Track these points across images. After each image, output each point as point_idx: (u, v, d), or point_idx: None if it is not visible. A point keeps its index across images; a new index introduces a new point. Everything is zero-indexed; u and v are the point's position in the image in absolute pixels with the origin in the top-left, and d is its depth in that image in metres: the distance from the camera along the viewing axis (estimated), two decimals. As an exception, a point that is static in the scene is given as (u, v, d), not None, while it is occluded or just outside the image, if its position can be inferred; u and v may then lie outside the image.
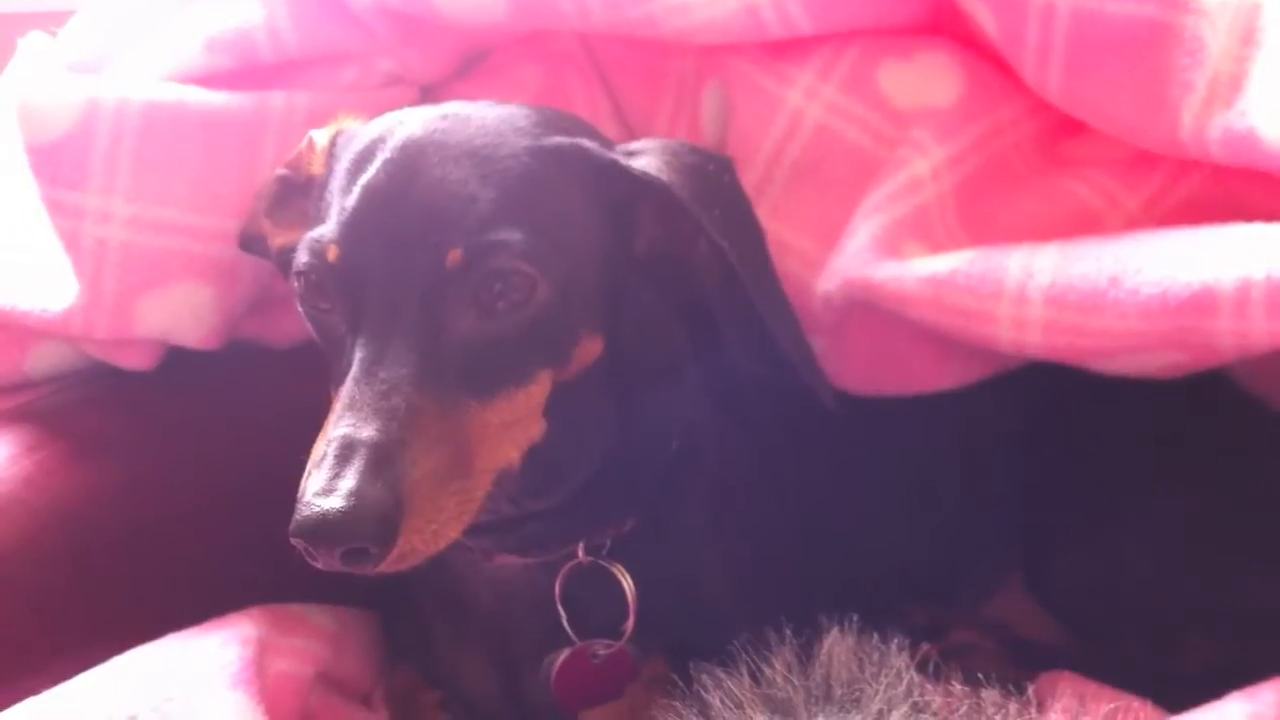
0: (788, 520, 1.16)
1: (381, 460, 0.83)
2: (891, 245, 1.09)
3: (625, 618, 1.08)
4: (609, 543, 1.08)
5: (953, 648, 1.08)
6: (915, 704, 0.82)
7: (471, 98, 1.20)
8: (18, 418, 1.17)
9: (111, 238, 1.12)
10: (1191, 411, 1.18)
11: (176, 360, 1.21)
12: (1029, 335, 1.03)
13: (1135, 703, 0.97)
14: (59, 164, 1.12)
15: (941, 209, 1.13)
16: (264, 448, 1.19)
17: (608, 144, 1.00)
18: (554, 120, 1.00)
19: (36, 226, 1.17)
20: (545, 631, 1.09)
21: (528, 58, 1.27)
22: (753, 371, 1.11)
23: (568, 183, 0.95)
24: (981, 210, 1.15)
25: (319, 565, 0.85)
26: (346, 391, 0.87)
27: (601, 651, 1.09)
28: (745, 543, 1.13)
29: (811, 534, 1.17)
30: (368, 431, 0.84)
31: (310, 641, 1.10)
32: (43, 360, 1.22)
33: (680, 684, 1.04)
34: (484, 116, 0.96)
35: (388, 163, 0.92)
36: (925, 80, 1.17)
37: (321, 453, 0.85)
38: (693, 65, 1.24)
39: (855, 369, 1.17)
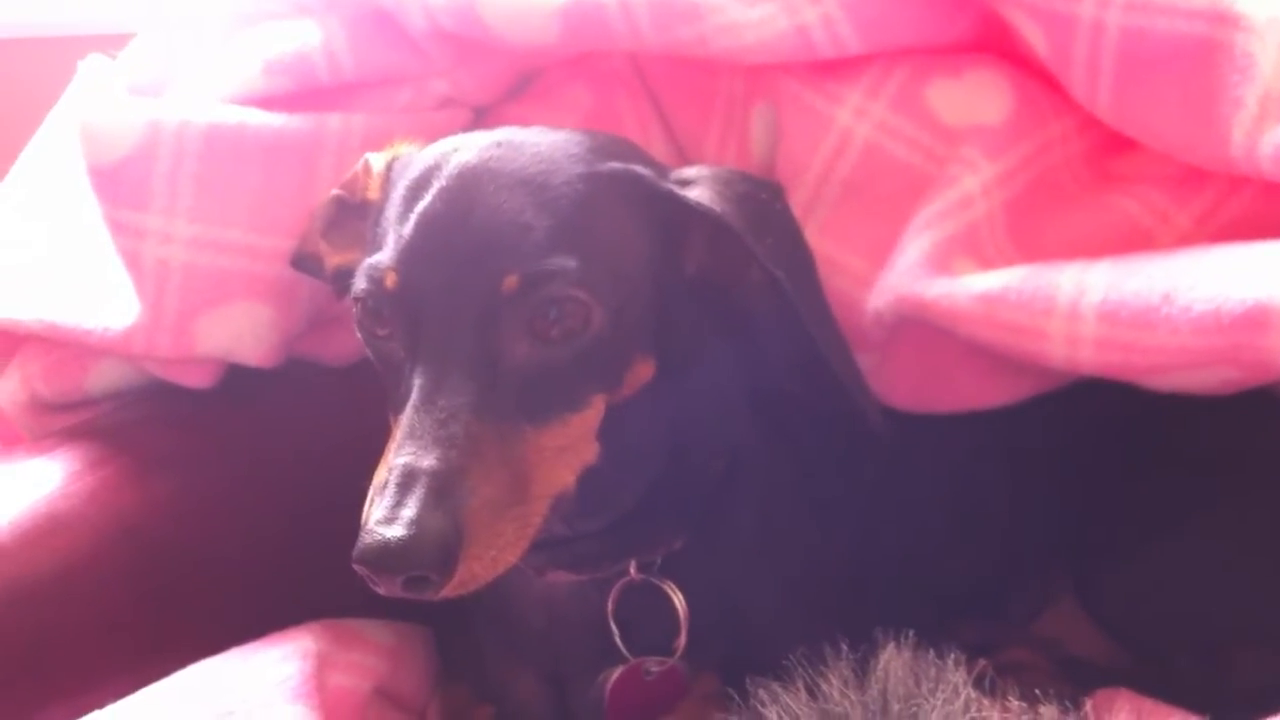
0: (836, 538, 1.16)
1: (442, 489, 0.85)
2: (943, 262, 1.10)
3: (675, 635, 1.08)
4: (659, 560, 1.08)
5: (1006, 665, 1.08)
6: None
7: (523, 119, 1.22)
8: (80, 435, 1.19)
9: (173, 258, 1.14)
10: (1242, 426, 1.17)
11: (233, 378, 1.23)
12: (1081, 352, 1.04)
13: (1193, 720, 0.97)
14: (121, 185, 1.14)
15: (992, 226, 1.14)
16: (320, 464, 1.23)
17: (660, 169, 1.01)
18: (606, 146, 1.01)
19: (97, 246, 1.20)
20: (595, 648, 1.10)
21: (578, 79, 1.29)
22: (799, 392, 1.11)
23: (621, 209, 0.96)
24: (1031, 227, 1.15)
25: (381, 591, 0.86)
26: (407, 420, 0.88)
27: (654, 668, 1.10)
28: (794, 560, 1.13)
29: (860, 551, 1.17)
30: (428, 460, 0.85)
31: (368, 657, 1.11)
32: (103, 378, 1.24)
33: (734, 700, 1.05)
34: (537, 143, 0.97)
35: (444, 190, 0.93)
36: (975, 98, 1.18)
37: (383, 480, 0.86)
38: (741, 85, 1.25)
39: (903, 386, 1.18)
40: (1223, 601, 1.15)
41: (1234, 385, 1.04)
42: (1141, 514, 1.19)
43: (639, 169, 0.98)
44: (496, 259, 0.90)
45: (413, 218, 0.93)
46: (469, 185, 0.93)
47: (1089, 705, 0.95)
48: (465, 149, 0.97)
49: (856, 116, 1.18)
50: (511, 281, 0.89)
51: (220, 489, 1.18)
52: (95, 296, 1.19)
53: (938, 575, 1.22)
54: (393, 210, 0.97)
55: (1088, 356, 1.04)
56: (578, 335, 0.92)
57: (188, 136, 1.14)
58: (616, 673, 1.10)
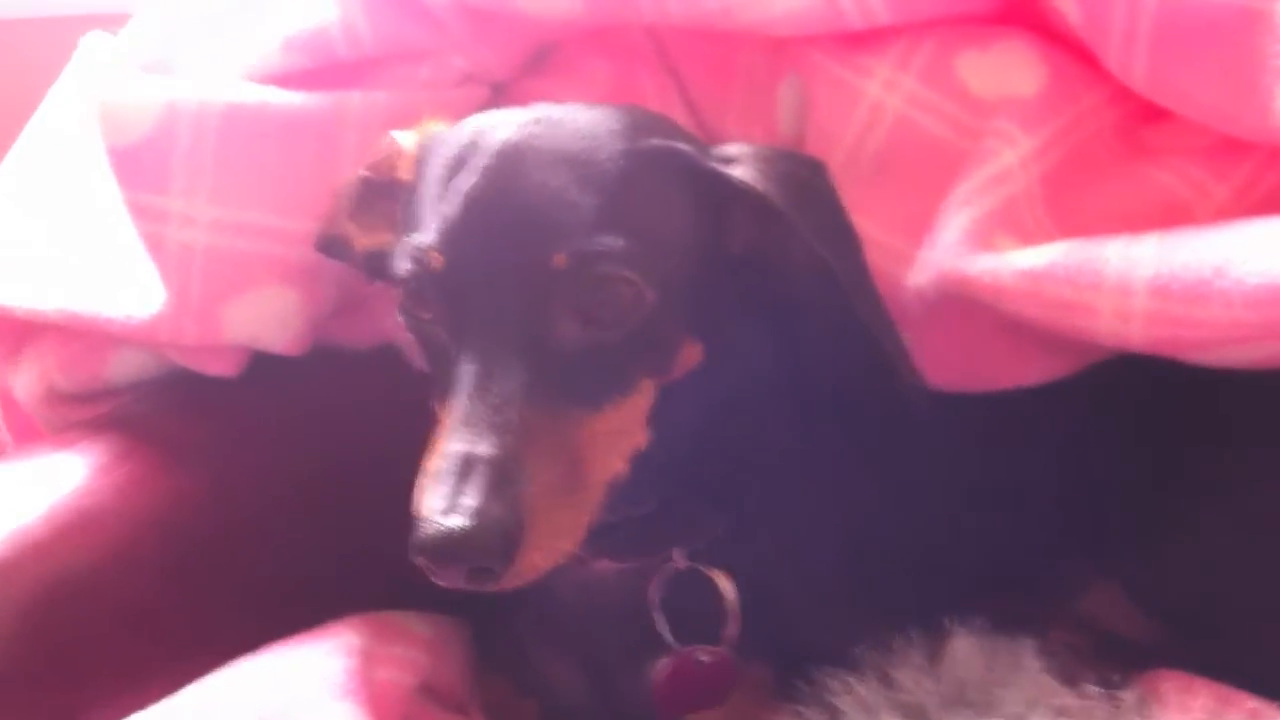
0: (881, 521, 1.15)
1: (501, 476, 0.83)
2: (983, 238, 1.08)
3: (722, 623, 1.07)
4: (706, 547, 1.07)
5: (1053, 647, 1.07)
6: (1054, 707, 0.81)
7: (542, 94, 1.20)
8: (104, 427, 1.16)
9: (196, 242, 1.11)
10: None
11: (255, 362, 1.20)
12: (1131, 327, 1.02)
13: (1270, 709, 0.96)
14: (140, 166, 1.11)
15: (1030, 200, 1.12)
16: (349, 450, 1.21)
17: (701, 146, 0.99)
18: (646, 122, 0.99)
19: (113, 231, 1.16)
20: (639, 638, 1.08)
21: (596, 53, 1.26)
22: (843, 373, 1.10)
23: (666, 186, 0.94)
24: (1068, 201, 1.14)
25: (441, 583, 0.84)
26: (460, 405, 0.87)
27: (704, 658, 1.08)
28: (842, 545, 1.12)
29: (904, 533, 1.16)
30: (484, 447, 0.84)
31: (411, 650, 1.09)
32: (123, 367, 1.21)
33: (789, 688, 1.04)
34: (576, 120, 0.95)
35: (486, 169, 0.91)
36: (1005, 70, 1.16)
37: (439, 468, 0.84)
38: (764, 59, 1.22)
39: (941, 364, 1.16)
40: (1270, 578, 1.15)
41: (1281, 360, 1.04)
42: (1185, 488, 1.18)
43: (682, 146, 0.97)
44: (543, 238, 0.88)
45: (454, 197, 0.91)
46: (511, 162, 0.91)
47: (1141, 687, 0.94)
48: (503, 125, 0.95)
49: (886, 89, 1.16)
50: (560, 259, 0.88)
51: (249, 479, 1.15)
52: (115, 284, 1.16)
53: (978, 555, 1.21)
54: (430, 190, 0.94)
55: (1137, 332, 1.02)
56: (628, 316, 0.90)
57: (207, 116, 1.10)
58: (667, 662, 1.08)
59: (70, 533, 1.04)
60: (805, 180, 0.99)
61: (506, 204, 0.90)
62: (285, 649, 1.03)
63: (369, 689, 0.99)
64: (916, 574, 1.15)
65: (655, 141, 0.95)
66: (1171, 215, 1.12)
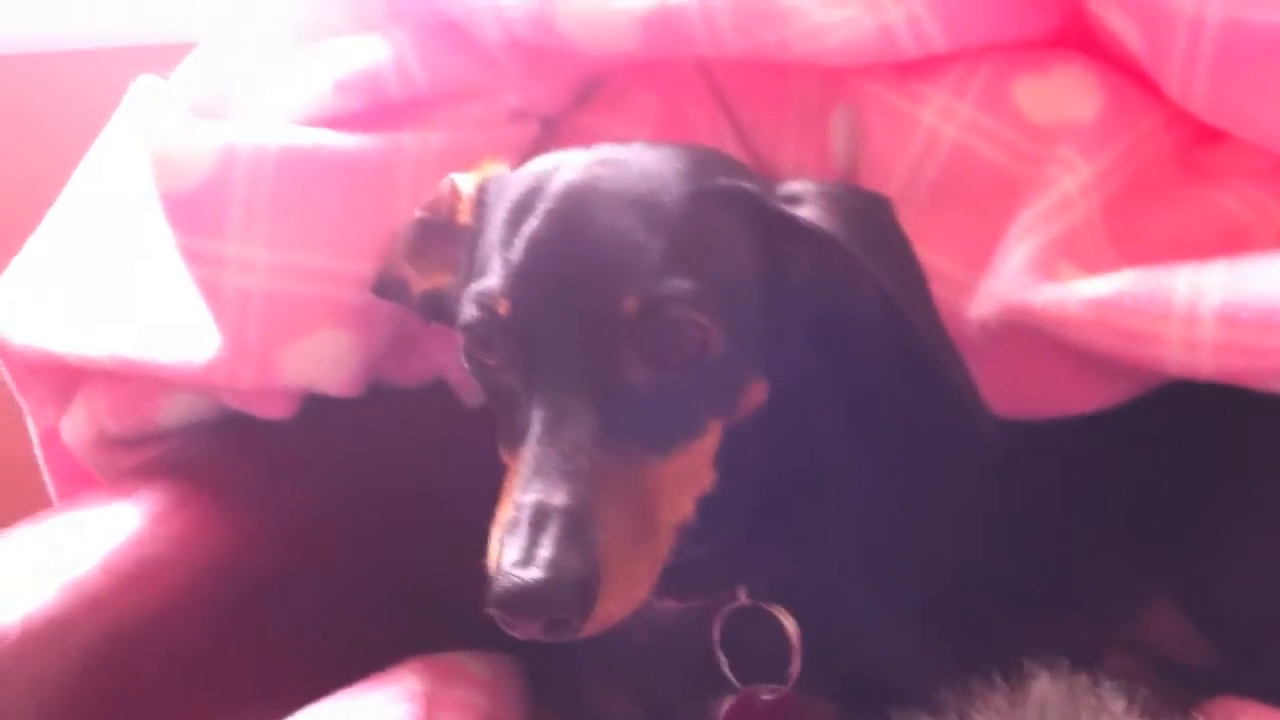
0: (944, 551, 1.14)
1: (576, 527, 0.82)
2: (1047, 267, 1.07)
3: (785, 661, 1.06)
4: (768, 584, 1.06)
5: (1112, 674, 1.05)
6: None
7: (594, 129, 1.20)
8: (159, 473, 1.16)
9: (254, 287, 1.10)
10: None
11: (306, 403, 1.20)
12: (1200, 356, 1.01)
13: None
14: (197, 213, 1.10)
15: (1091, 228, 1.11)
16: (401, 489, 1.21)
17: (765, 184, 0.98)
18: (710, 161, 0.98)
19: (167, 277, 1.16)
20: (700, 677, 1.07)
21: (645, 85, 1.25)
22: (906, 406, 1.09)
23: (732, 227, 0.94)
24: (1129, 227, 1.13)
25: (517, 635, 0.83)
26: (531, 454, 0.85)
27: (766, 696, 1.07)
28: (906, 580, 1.10)
29: (966, 563, 1.15)
30: (559, 497, 0.83)
31: (472, 693, 1.08)
32: (175, 411, 1.21)
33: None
34: (641, 160, 0.94)
35: (551, 212, 0.91)
36: (1064, 95, 1.15)
37: (513, 519, 0.83)
38: (816, 89, 1.21)
39: (997, 392, 1.15)
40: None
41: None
42: (1246, 510, 1.17)
43: (748, 185, 0.96)
44: (612, 282, 0.87)
45: (520, 242, 0.90)
46: (576, 206, 0.91)
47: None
48: (566, 168, 0.94)
49: (943, 117, 1.15)
50: (630, 304, 0.87)
51: (306, 521, 1.15)
52: (167, 329, 1.15)
53: (1037, 580, 1.19)
54: (495, 234, 0.94)
55: (1207, 361, 1.01)
56: (696, 359, 0.89)
57: (263, 160, 1.10)
58: (729, 702, 1.07)
59: (129, 583, 1.04)
60: (872, 218, 0.98)
61: (573, 248, 0.89)
62: (349, 696, 1.02)
63: None
64: (978, 603, 1.14)
65: (721, 182, 0.94)
66: (1232, 238, 1.11)
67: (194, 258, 1.11)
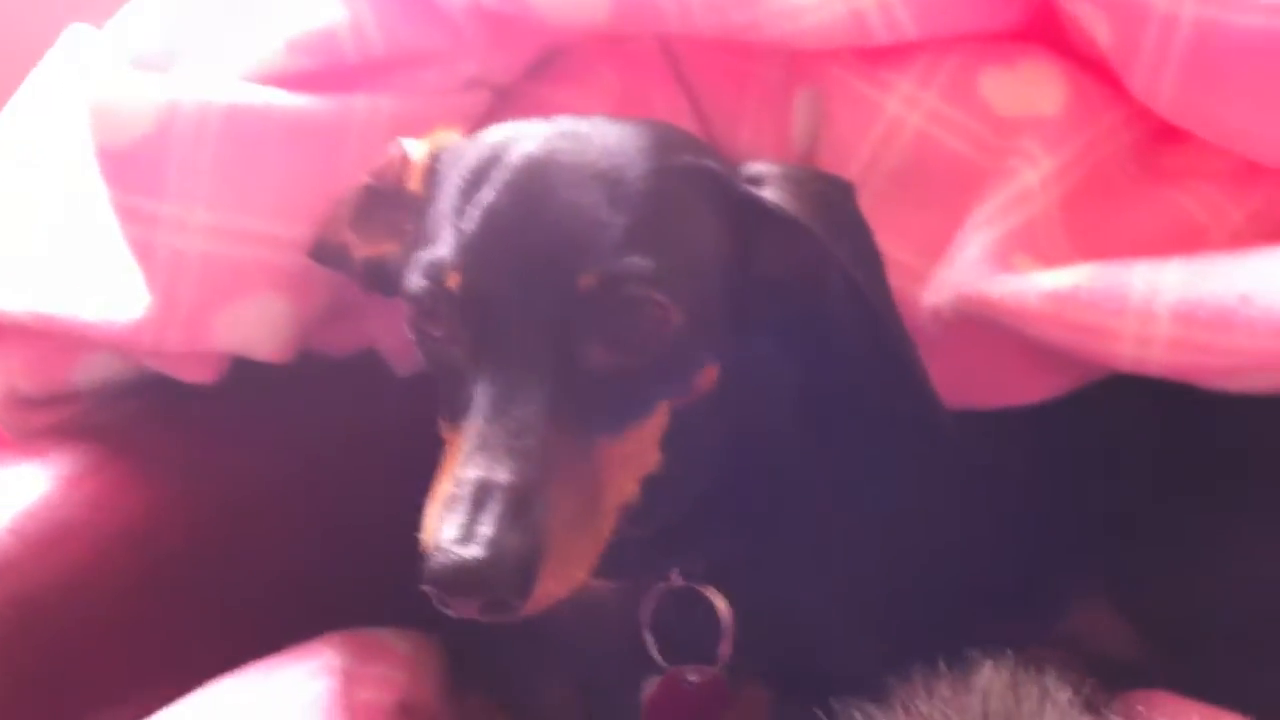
0: (881, 543, 1.13)
1: (519, 505, 0.79)
2: (1003, 259, 1.06)
3: (716, 643, 1.04)
4: (704, 567, 1.04)
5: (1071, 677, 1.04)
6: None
7: (550, 101, 1.18)
8: (74, 435, 1.12)
9: (189, 248, 1.06)
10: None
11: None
12: (1152, 352, 1.00)
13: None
14: (134, 169, 1.06)
15: (1049, 221, 1.10)
16: (325, 463, 1.19)
17: (728, 165, 0.96)
18: (674, 139, 0.96)
19: (93, 232, 1.12)
20: (630, 657, 1.05)
21: (604, 59, 1.22)
22: (858, 395, 1.07)
23: (695, 207, 0.92)
24: (1086, 222, 1.12)
25: (452, 614, 0.81)
26: (476, 430, 0.83)
27: (693, 678, 1.05)
28: (843, 567, 1.10)
29: (902, 556, 1.13)
30: (503, 474, 0.80)
31: (390, 669, 1.06)
32: (91, 371, 1.17)
33: (789, 713, 1.01)
34: (604, 135, 0.92)
35: (508, 184, 0.88)
36: (1029, 88, 1.14)
37: (452, 494, 0.81)
38: (780, 72, 1.19)
39: (947, 381, 1.14)
40: (1264, 600, 1.13)
41: (1299, 388, 1.02)
42: (1181, 510, 1.17)
43: (713, 165, 0.94)
44: (570, 257, 0.85)
45: (473, 212, 0.87)
46: (535, 178, 0.88)
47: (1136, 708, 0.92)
48: (525, 138, 0.91)
49: (907, 105, 1.13)
50: (588, 281, 0.84)
51: (224, 492, 1.12)
52: (92, 286, 1.11)
53: (971, 577, 1.18)
54: (446, 204, 0.91)
55: (1159, 357, 1.00)
56: (655, 340, 0.87)
57: (209, 118, 1.06)
58: (655, 682, 1.06)
59: (49, 546, 1.01)
60: (835, 202, 0.97)
61: (530, 221, 0.86)
62: (265, 669, 1.00)
63: (352, 712, 0.96)
64: (918, 597, 1.13)
65: (686, 159, 0.92)
66: (1189, 239, 1.11)
67: (127, 215, 1.07)
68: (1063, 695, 0.83)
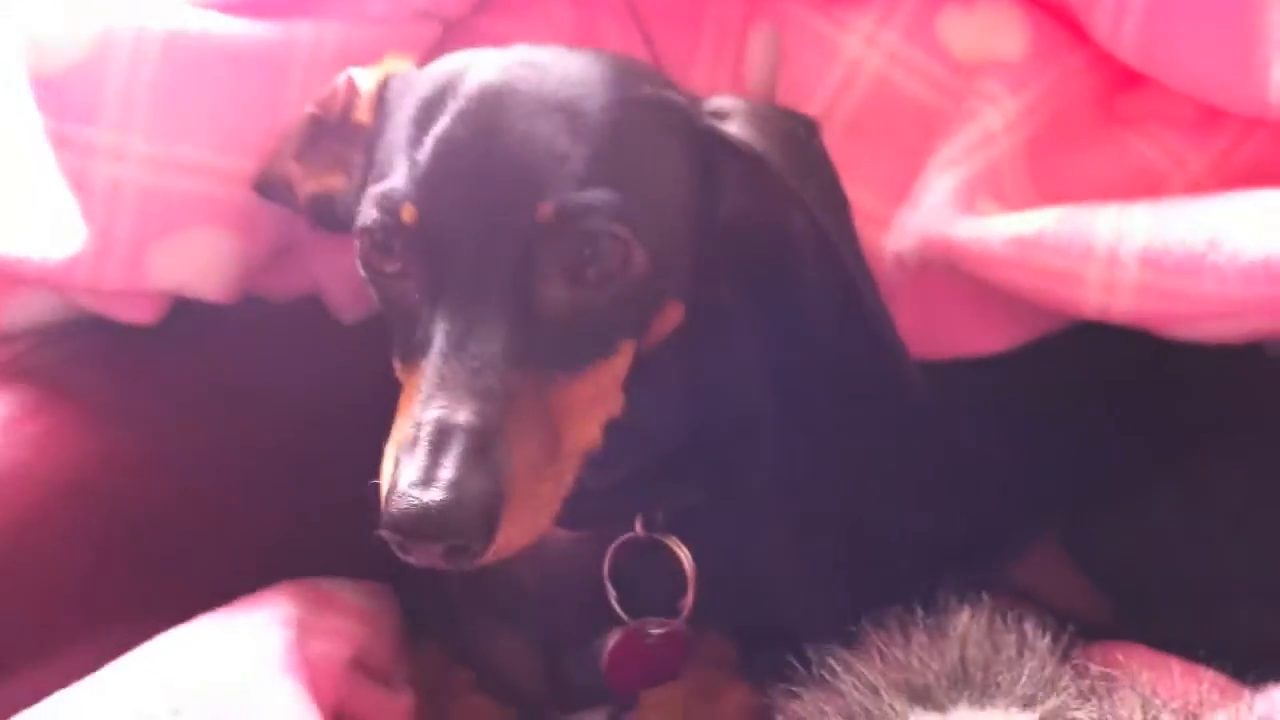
0: (842, 491, 1.11)
1: (481, 447, 0.77)
2: (967, 202, 1.05)
3: (677, 595, 1.02)
4: (662, 516, 1.01)
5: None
6: (1075, 690, 0.77)
7: (500, 34, 1.14)
8: (8, 376, 1.06)
9: (126, 178, 1.01)
10: (1241, 381, 1.15)
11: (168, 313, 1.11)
12: (1118, 299, 1.00)
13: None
14: (68, 96, 1.01)
15: (1013, 164, 1.09)
16: (271, 407, 1.14)
17: (692, 99, 0.93)
18: (637, 71, 0.93)
19: (27, 165, 1.07)
20: (590, 608, 1.02)
21: (556, -7, 1.19)
22: (824, 345, 1.05)
23: (659, 140, 0.88)
24: (1048, 167, 1.11)
25: (412, 561, 0.78)
26: (434, 368, 0.80)
27: (655, 631, 1.03)
28: (805, 518, 1.08)
29: (864, 506, 1.12)
30: (464, 415, 0.77)
31: (345, 621, 1.03)
32: (23, 311, 1.11)
33: (752, 664, 1.00)
34: (565, 65, 0.88)
35: (464, 113, 0.84)
36: (989, 31, 1.12)
37: (411, 436, 0.77)
38: (736, 9, 1.17)
39: (909, 330, 1.12)
40: (1218, 556, 1.13)
41: (1259, 335, 1.02)
42: (1135, 461, 1.17)
43: (675, 97, 0.91)
44: (529, 188, 0.81)
45: (429, 142, 0.84)
46: (493, 108, 0.84)
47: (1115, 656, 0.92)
48: (482, 67, 0.87)
49: (866, 45, 1.11)
50: (546, 210, 0.81)
51: (167, 437, 1.07)
52: (24, 221, 1.06)
53: (931, 527, 1.17)
54: (399, 134, 0.87)
55: (1125, 304, 1.00)
56: (616, 276, 0.84)
57: (145, 44, 1.01)
58: (615, 635, 1.03)
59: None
60: (801, 140, 0.94)
61: (488, 151, 0.83)
62: (220, 618, 0.96)
63: (306, 665, 0.93)
64: (880, 549, 1.12)
65: (649, 91, 0.89)
66: (1147, 185, 1.10)
67: (62, 144, 1.02)
68: (1041, 643, 0.82)
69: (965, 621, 0.83)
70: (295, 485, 1.10)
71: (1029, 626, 0.84)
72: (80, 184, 1.02)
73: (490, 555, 0.78)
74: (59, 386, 1.07)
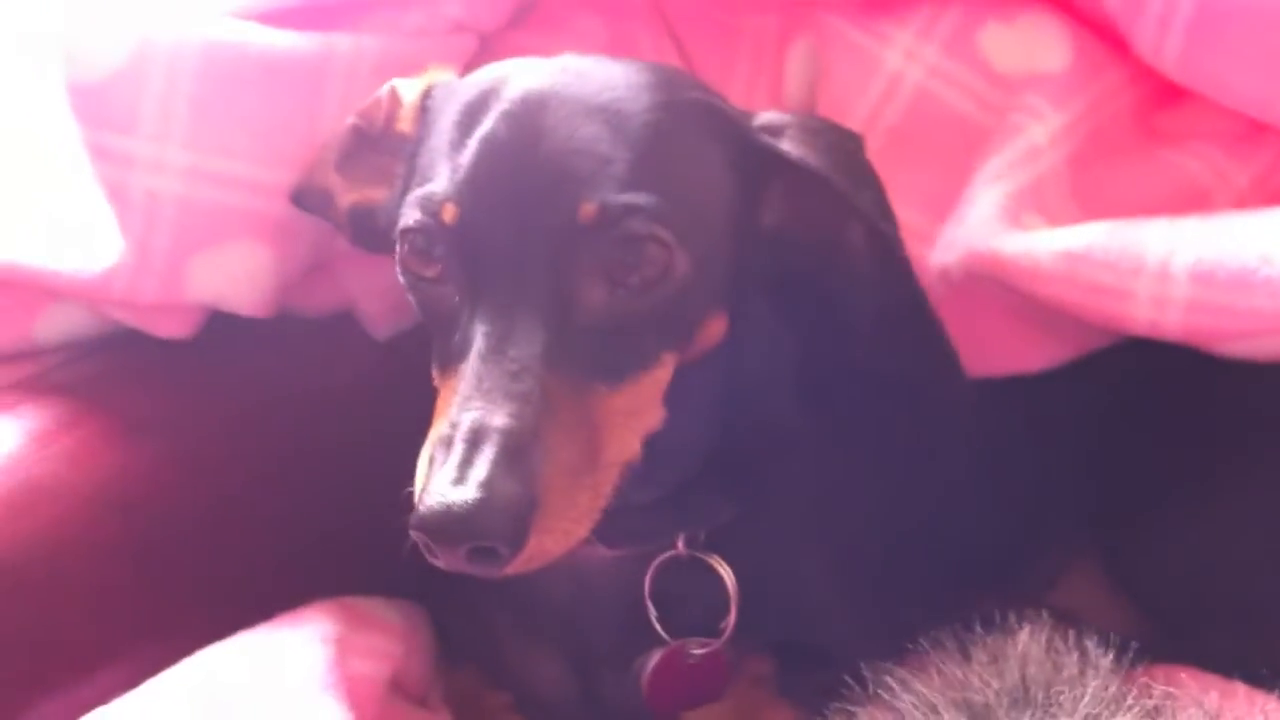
0: (880, 508, 1.10)
1: (515, 449, 0.75)
2: (1014, 216, 1.04)
3: (719, 614, 1.00)
4: (704, 535, 1.00)
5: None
6: (1140, 709, 0.76)
7: (535, 49, 1.11)
8: (41, 391, 1.05)
9: (165, 190, 1.00)
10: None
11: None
12: (1168, 314, 0.98)
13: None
14: (106, 105, 1.00)
15: (1056, 179, 1.09)
16: (304, 423, 1.13)
17: (741, 113, 0.92)
18: (680, 78, 0.92)
19: (64, 178, 1.06)
20: (629, 630, 1.01)
21: (589, 8, 1.19)
22: (868, 360, 1.04)
23: (703, 145, 0.87)
24: (1092, 182, 1.10)
25: (439, 563, 0.77)
26: (472, 371, 0.79)
27: (696, 651, 1.01)
28: (846, 537, 1.06)
29: (902, 525, 1.11)
30: (499, 418, 0.76)
31: (385, 640, 1.01)
32: (54, 325, 1.10)
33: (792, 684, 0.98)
34: (608, 71, 0.87)
35: (507, 115, 0.84)
36: (1031, 45, 1.12)
37: (446, 437, 0.76)
38: (774, 23, 1.17)
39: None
40: (1263, 574, 1.12)
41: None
42: (1181, 480, 1.15)
43: (720, 103, 0.90)
44: (571, 190, 0.81)
45: (471, 144, 0.83)
46: (536, 111, 0.83)
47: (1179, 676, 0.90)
48: (526, 73, 0.87)
49: (907, 59, 1.11)
50: (589, 210, 0.80)
51: (202, 451, 1.05)
52: (59, 234, 1.05)
53: (967, 546, 1.16)
54: (441, 139, 0.86)
55: (1175, 319, 0.98)
56: (658, 283, 0.83)
57: (183, 55, 1.00)
58: (656, 656, 1.01)
59: (24, 507, 0.94)
60: (851, 154, 0.93)
61: (530, 153, 0.82)
62: (260, 634, 0.95)
63: (348, 683, 0.91)
64: (918, 568, 1.10)
65: (694, 95, 0.88)
66: (1191, 200, 1.10)
67: (100, 154, 1.01)
68: (1104, 662, 0.80)
69: (1025, 639, 0.82)
70: (332, 499, 1.09)
71: (1091, 645, 0.82)
72: (118, 195, 1.01)
73: (520, 563, 0.77)
74: (92, 400, 1.05)
